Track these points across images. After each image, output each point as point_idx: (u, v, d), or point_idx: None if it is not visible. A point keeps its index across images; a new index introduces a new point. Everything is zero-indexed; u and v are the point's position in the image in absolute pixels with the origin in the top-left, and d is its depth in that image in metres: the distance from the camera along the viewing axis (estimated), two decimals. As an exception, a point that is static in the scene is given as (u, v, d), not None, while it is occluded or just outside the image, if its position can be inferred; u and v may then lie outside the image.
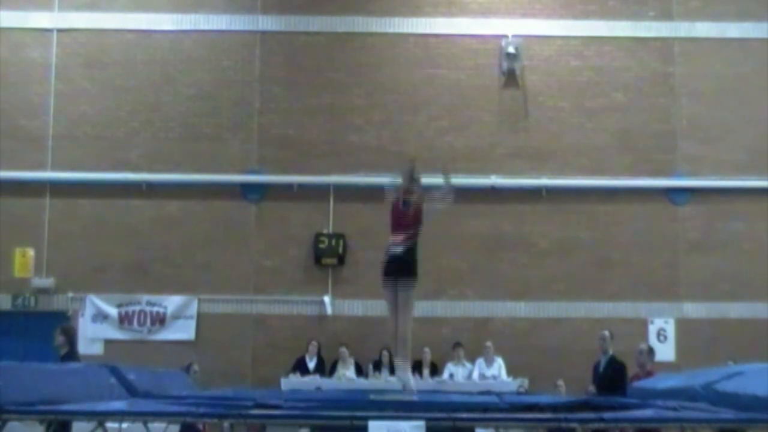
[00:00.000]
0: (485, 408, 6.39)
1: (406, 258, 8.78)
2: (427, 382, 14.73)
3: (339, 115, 16.66)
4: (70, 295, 16.14)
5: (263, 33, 16.86)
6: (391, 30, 16.88)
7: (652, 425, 6.34)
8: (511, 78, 16.63)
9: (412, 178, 9.01)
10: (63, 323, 12.72)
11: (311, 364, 15.51)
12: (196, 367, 13.48)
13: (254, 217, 16.48)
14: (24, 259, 16.01)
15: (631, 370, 11.61)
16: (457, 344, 15.51)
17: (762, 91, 16.27)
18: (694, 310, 16.05)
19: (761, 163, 16.18)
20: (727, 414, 5.76)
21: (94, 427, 6.59)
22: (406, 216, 8.95)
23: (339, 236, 16.28)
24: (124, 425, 6.93)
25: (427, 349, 15.49)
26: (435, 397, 9.80)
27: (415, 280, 8.80)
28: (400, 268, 8.76)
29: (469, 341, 15.65)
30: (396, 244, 8.86)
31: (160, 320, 16.17)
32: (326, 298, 16.14)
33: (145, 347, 15.87)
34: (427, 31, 16.79)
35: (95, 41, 16.82)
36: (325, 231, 16.34)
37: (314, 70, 16.75)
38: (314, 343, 15.58)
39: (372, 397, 8.58)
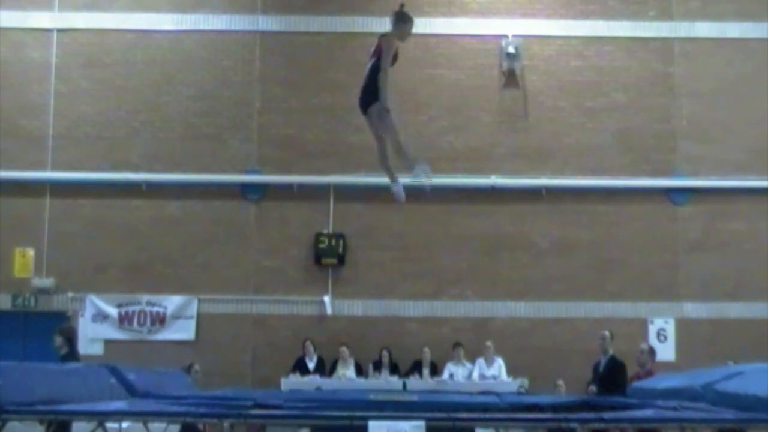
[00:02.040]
0: (485, 408, 6.39)
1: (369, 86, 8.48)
2: (427, 382, 14.75)
3: (339, 115, 16.64)
4: (70, 295, 16.14)
5: (263, 33, 16.86)
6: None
7: (652, 425, 6.34)
8: (511, 78, 16.63)
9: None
10: (62, 324, 12.73)
11: (311, 364, 15.52)
12: (197, 367, 13.45)
13: (254, 217, 16.48)
14: (24, 259, 16.02)
15: (632, 370, 11.61)
16: (457, 344, 15.51)
17: (762, 91, 16.26)
18: (694, 310, 16.05)
19: (761, 163, 16.17)
20: (727, 414, 5.76)
21: (94, 427, 6.59)
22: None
23: (339, 236, 16.28)
24: (124, 425, 6.93)
25: (427, 349, 15.50)
26: (435, 397, 9.80)
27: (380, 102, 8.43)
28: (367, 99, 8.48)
29: (469, 341, 15.66)
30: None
31: (160, 320, 16.17)
32: (326, 298, 16.14)
33: (145, 347, 15.87)
34: (427, 31, 16.77)
35: (95, 41, 16.81)
36: (325, 231, 16.34)
37: (314, 70, 16.75)
38: (308, 342, 15.57)
39: (372, 397, 8.58)
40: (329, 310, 16.12)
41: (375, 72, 8.29)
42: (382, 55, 8.32)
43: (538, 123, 16.60)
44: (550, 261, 16.18)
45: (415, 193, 16.85)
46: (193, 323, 16.15)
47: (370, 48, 8.58)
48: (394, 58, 8.35)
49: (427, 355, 15.47)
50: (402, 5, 8.59)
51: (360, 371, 15.45)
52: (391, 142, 8.50)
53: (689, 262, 16.15)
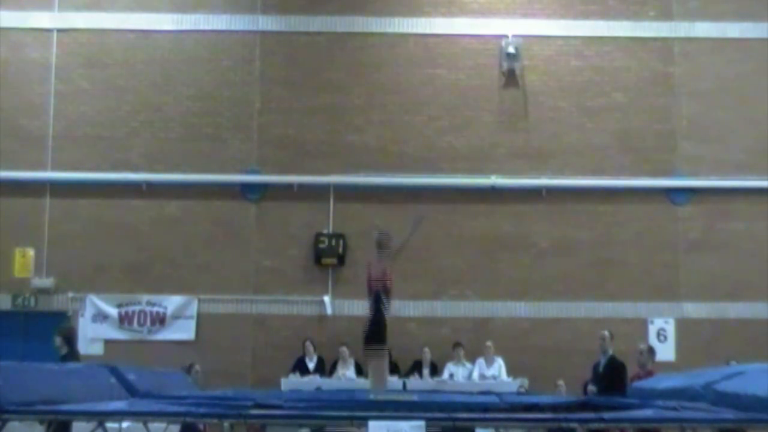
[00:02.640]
0: (485, 408, 6.40)
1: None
2: (427, 382, 14.75)
3: (339, 115, 16.65)
4: (70, 295, 16.14)
5: (263, 33, 16.86)
6: (391, 30, 16.87)
7: (652, 425, 6.34)
8: (511, 78, 16.62)
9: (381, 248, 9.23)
10: (62, 324, 12.73)
11: (311, 364, 15.52)
12: (197, 367, 13.47)
13: (254, 217, 16.48)
14: (24, 259, 16.01)
15: (631, 370, 11.62)
16: (457, 344, 15.51)
17: (762, 91, 16.26)
18: (694, 310, 16.04)
19: (761, 163, 16.17)
20: (727, 414, 5.76)
21: (94, 427, 6.59)
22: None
23: (339, 236, 16.27)
24: (124, 425, 6.93)
25: (427, 349, 15.50)
26: (435, 397, 9.80)
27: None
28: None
29: (469, 341, 15.65)
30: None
31: (160, 320, 16.17)
32: (326, 298, 16.14)
33: (145, 347, 15.87)
34: (427, 31, 16.79)
35: (95, 41, 16.81)
36: (325, 231, 16.33)
37: (314, 70, 16.74)
38: (308, 342, 15.57)
39: (372, 397, 8.59)
40: (329, 310, 16.11)
41: (378, 314, 8.78)
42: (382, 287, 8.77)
43: (538, 123, 16.60)
44: (550, 261, 16.18)
45: (415, 193, 16.97)
46: (193, 323, 16.15)
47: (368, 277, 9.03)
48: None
49: (427, 355, 15.46)
50: (378, 234, 9.11)
51: (360, 371, 15.44)
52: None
53: (689, 262, 16.15)
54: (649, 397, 7.66)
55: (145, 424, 7.44)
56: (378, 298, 8.97)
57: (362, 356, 10.80)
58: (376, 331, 9.01)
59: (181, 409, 6.30)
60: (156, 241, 16.27)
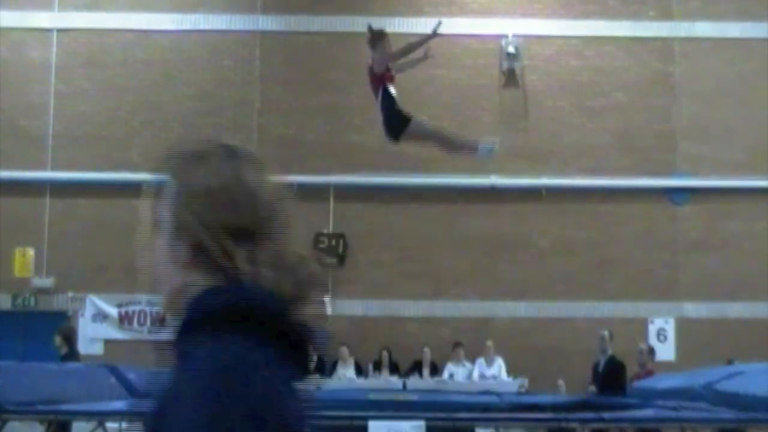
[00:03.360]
0: (485, 408, 6.40)
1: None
2: (427, 382, 14.74)
3: (339, 115, 16.66)
4: (70, 295, 16.14)
5: (263, 33, 16.86)
6: (391, 30, 16.74)
7: (652, 425, 6.34)
8: (511, 78, 16.62)
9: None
10: (61, 324, 12.73)
11: (311, 364, 15.48)
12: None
13: (254, 217, 16.46)
14: (24, 259, 16.01)
15: (631, 370, 11.62)
16: (457, 344, 15.50)
17: (762, 91, 16.26)
18: (694, 310, 16.04)
19: (761, 163, 16.17)
20: (727, 414, 5.76)
21: (94, 427, 6.59)
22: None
23: (339, 236, 16.27)
24: (124, 425, 6.92)
25: (427, 349, 15.49)
26: (435, 397, 9.79)
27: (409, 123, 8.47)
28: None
29: (469, 341, 15.65)
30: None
31: (160, 320, 16.14)
32: (326, 298, 16.12)
33: (145, 347, 15.84)
34: (427, 31, 16.73)
35: (95, 41, 16.82)
36: (325, 231, 16.33)
37: (314, 70, 16.74)
38: None
39: (372, 397, 8.58)
40: (329, 310, 16.11)
41: (388, 100, 8.34)
42: (378, 77, 8.36)
43: (538, 123, 16.60)
44: (550, 261, 16.17)
45: (415, 193, 16.94)
46: (193, 323, 16.12)
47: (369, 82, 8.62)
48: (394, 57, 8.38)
49: (427, 355, 15.46)
50: (369, 27, 8.66)
51: (360, 371, 15.44)
52: (441, 142, 8.58)
53: (689, 262, 16.15)
54: (649, 397, 7.66)
55: (145, 424, 7.42)
56: (386, 92, 8.53)
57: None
58: (394, 116, 8.48)
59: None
60: (156, 241, 16.24)
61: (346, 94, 16.75)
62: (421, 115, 8.80)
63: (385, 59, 8.31)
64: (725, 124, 16.44)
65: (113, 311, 16.13)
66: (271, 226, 1.70)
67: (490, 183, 16.38)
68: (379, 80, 8.28)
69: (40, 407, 5.77)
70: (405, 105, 16.94)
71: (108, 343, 16.07)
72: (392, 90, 8.37)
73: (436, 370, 15.43)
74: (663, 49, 16.74)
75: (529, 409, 6.21)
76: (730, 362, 12.25)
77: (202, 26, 16.84)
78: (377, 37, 8.42)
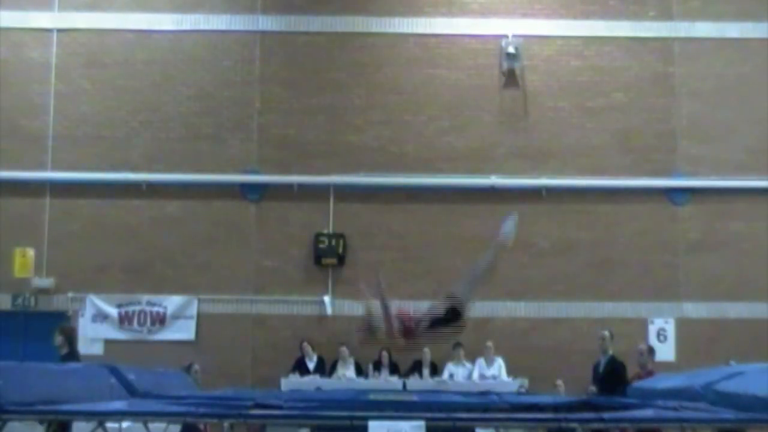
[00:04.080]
0: (485, 408, 6.39)
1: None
2: (427, 382, 14.75)
3: (339, 115, 16.66)
4: (70, 295, 16.14)
5: (263, 33, 16.85)
6: (391, 30, 16.87)
7: (652, 425, 6.34)
8: (511, 78, 16.62)
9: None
10: (62, 323, 12.74)
11: (311, 365, 15.51)
12: (196, 366, 13.47)
13: (254, 217, 16.48)
14: (24, 259, 16.00)
15: (631, 370, 11.61)
16: (457, 344, 15.48)
17: (762, 91, 16.26)
18: (694, 310, 16.04)
19: (761, 163, 16.17)
20: (727, 414, 5.76)
21: (94, 427, 6.59)
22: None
23: (339, 236, 16.27)
24: (124, 425, 6.93)
25: (427, 349, 15.47)
26: (435, 397, 9.80)
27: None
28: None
29: (469, 341, 15.60)
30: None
31: (160, 320, 16.17)
32: (326, 298, 16.14)
33: (145, 347, 15.86)
34: (427, 31, 16.79)
35: (95, 41, 16.81)
36: (325, 231, 16.33)
37: (314, 70, 16.74)
38: (306, 344, 15.56)
39: (372, 397, 8.59)
40: (329, 310, 16.11)
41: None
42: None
43: (538, 123, 16.60)
44: (550, 261, 16.17)
45: (415, 193, 16.97)
46: (193, 323, 16.15)
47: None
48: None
49: (427, 355, 15.45)
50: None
51: (360, 371, 15.45)
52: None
53: (689, 262, 16.15)
54: (649, 397, 7.66)
55: (145, 424, 7.43)
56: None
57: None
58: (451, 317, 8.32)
59: (181, 409, 6.30)
60: (156, 241, 16.26)
61: (346, 94, 16.76)
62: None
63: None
64: (725, 124, 16.44)
65: (113, 311, 16.13)
66: None
67: (490, 183, 16.38)
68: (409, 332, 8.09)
69: (40, 407, 5.77)
70: (406, 103, 17.03)
71: (108, 343, 16.07)
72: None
73: (436, 370, 15.43)
74: (663, 49, 16.74)
75: (529, 409, 6.21)
76: (727, 363, 12.24)
77: (202, 26, 16.84)
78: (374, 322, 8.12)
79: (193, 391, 9.67)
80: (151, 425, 7.44)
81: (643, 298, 16.02)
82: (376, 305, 7.77)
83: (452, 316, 8.08)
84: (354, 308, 16.16)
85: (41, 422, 6.46)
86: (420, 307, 8.04)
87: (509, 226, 8.08)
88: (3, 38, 16.65)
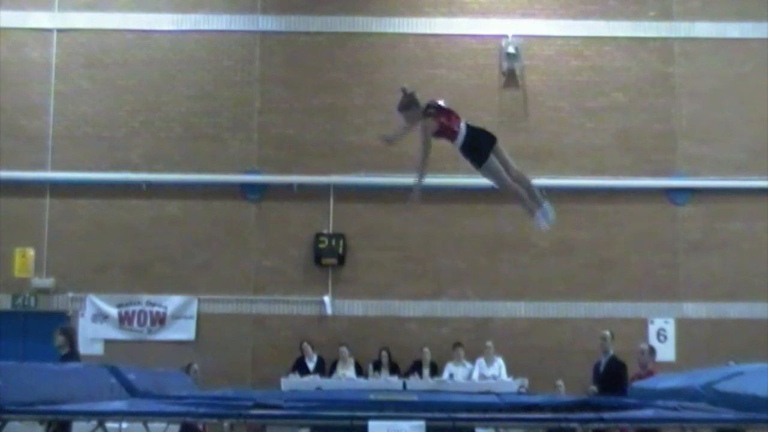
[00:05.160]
0: (485, 408, 6.40)
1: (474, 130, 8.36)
2: (427, 382, 14.75)
3: (339, 115, 16.66)
4: (70, 295, 16.14)
5: (263, 33, 16.86)
6: (391, 30, 16.88)
7: (652, 425, 6.34)
8: (511, 78, 16.62)
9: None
10: (63, 323, 12.74)
11: (311, 365, 15.51)
12: (196, 366, 13.47)
13: (254, 217, 16.48)
14: (24, 259, 16.01)
15: (632, 370, 11.62)
16: (457, 344, 15.51)
17: (762, 91, 16.26)
18: (694, 310, 16.05)
19: (761, 163, 16.18)
20: (727, 414, 5.76)
21: (94, 427, 6.59)
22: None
23: (339, 236, 16.28)
24: (124, 425, 6.92)
25: (427, 349, 15.50)
26: (435, 397, 9.80)
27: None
28: (483, 142, 8.34)
29: (469, 341, 15.65)
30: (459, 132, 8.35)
31: (160, 320, 16.17)
32: (326, 298, 16.14)
33: (145, 347, 15.87)
34: (427, 31, 16.80)
35: (95, 41, 16.82)
36: (325, 231, 16.34)
37: (314, 70, 16.74)
38: (306, 344, 15.56)
39: (372, 397, 8.59)
40: (329, 310, 16.11)
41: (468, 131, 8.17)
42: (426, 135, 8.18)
43: (538, 123, 16.60)
44: (550, 261, 16.18)
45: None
46: (193, 323, 16.15)
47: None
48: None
49: (427, 355, 15.46)
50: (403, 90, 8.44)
51: (360, 371, 15.45)
52: (523, 181, 8.45)
53: (689, 262, 16.15)
54: (649, 397, 7.66)
55: (145, 424, 7.44)
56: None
57: None
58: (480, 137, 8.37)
59: (181, 409, 6.30)
60: (156, 241, 16.27)
61: (346, 94, 16.76)
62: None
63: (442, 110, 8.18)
64: (725, 124, 16.44)
65: (113, 311, 16.13)
66: None
67: (490, 183, 16.34)
68: (445, 128, 8.10)
69: (40, 407, 5.77)
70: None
71: (108, 343, 16.07)
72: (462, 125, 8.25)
73: (436, 370, 15.43)
74: (663, 49, 16.74)
75: (529, 409, 6.21)
76: (726, 364, 12.24)
77: (202, 26, 16.85)
78: (411, 101, 8.25)
79: (193, 391, 9.67)
80: (151, 425, 7.45)
81: (643, 298, 16.03)
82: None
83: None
84: (354, 308, 16.20)
85: (41, 422, 6.47)
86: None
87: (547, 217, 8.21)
88: (3, 38, 16.66)
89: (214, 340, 15.96)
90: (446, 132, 8.06)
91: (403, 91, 8.24)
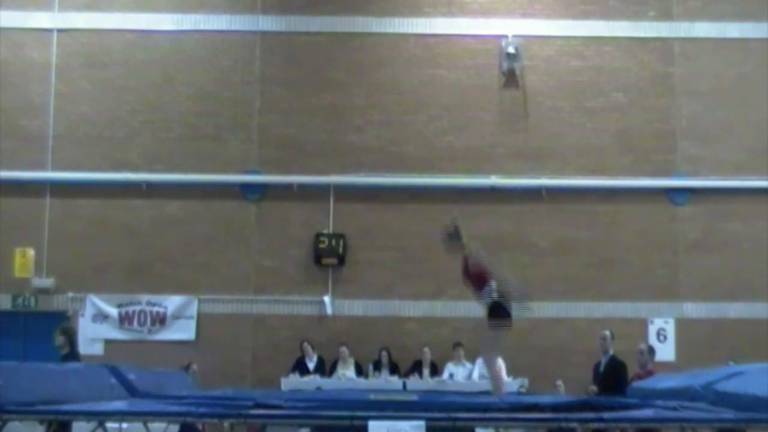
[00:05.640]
0: (485, 408, 6.38)
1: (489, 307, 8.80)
2: (427, 382, 14.75)
3: (339, 115, 16.66)
4: (70, 295, 16.14)
5: (263, 33, 16.86)
6: (391, 30, 16.88)
7: (652, 425, 6.34)
8: (511, 78, 16.62)
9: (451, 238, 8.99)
10: (63, 323, 12.74)
11: (311, 364, 15.52)
12: (195, 366, 13.49)
13: (254, 217, 16.48)
14: (24, 259, 16.01)
15: (632, 369, 11.62)
16: (457, 344, 15.51)
17: (762, 91, 16.26)
18: (694, 310, 16.04)
19: (761, 163, 16.18)
20: (727, 414, 5.75)
21: (94, 427, 6.59)
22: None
23: (339, 236, 16.28)
24: (124, 425, 6.93)
25: (427, 349, 15.50)
26: (435, 397, 9.80)
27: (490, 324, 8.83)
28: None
29: (469, 341, 15.62)
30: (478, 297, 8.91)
31: (160, 320, 16.17)
32: (326, 298, 16.14)
33: (145, 347, 15.87)
34: (427, 31, 16.79)
35: (95, 41, 16.82)
36: (325, 231, 16.34)
37: (314, 70, 16.75)
38: (306, 344, 15.57)
39: (372, 397, 8.59)
40: (329, 310, 16.11)
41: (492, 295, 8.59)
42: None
43: (538, 123, 16.60)
44: (550, 261, 16.17)
45: (415, 193, 16.97)
46: (193, 323, 16.16)
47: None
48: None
49: (427, 355, 15.47)
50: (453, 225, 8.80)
51: (360, 371, 15.45)
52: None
53: (689, 262, 16.15)
54: (648, 397, 7.66)
55: (145, 424, 7.44)
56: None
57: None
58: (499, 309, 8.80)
59: (181, 409, 6.29)
60: (156, 241, 16.27)
61: (346, 94, 16.76)
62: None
63: (479, 261, 8.63)
64: (725, 124, 16.44)
65: (113, 311, 16.14)
66: None
67: (490, 183, 16.38)
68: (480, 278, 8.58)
69: (40, 407, 5.77)
70: (406, 103, 17.01)
71: (108, 343, 16.08)
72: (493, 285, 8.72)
73: (436, 370, 15.43)
74: (663, 49, 16.74)
75: (529, 409, 6.20)
76: (726, 364, 12.24)
77: (202, 26, 16.85)
78: (456, 234, 8.73)
79: (193, 391, 9.67)
80: (151, 425, 7.45)
81: (643, 298, 16.03)
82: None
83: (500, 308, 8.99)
84: (354, 308, 16.20)
85: (41, 422, 6.47)
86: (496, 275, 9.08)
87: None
88: (3, 38, 16.66)
89: (214, 340, 15.96)
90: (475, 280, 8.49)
91: (453, 221, 8.72)
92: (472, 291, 9.01)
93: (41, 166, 16.42)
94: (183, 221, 16.38)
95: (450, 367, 15.42)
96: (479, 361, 15.40)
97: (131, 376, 7.74)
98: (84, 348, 13.36)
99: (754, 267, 15.83)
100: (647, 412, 6.24)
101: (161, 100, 16.70)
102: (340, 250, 16.25)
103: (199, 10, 16.87)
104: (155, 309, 16.19)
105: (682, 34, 16.70)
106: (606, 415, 5.89)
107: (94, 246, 16.20)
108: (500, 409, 6.34)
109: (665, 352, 15.12)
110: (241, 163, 16.55)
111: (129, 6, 16.88)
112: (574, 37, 16.82)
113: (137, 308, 16.19)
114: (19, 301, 16.09)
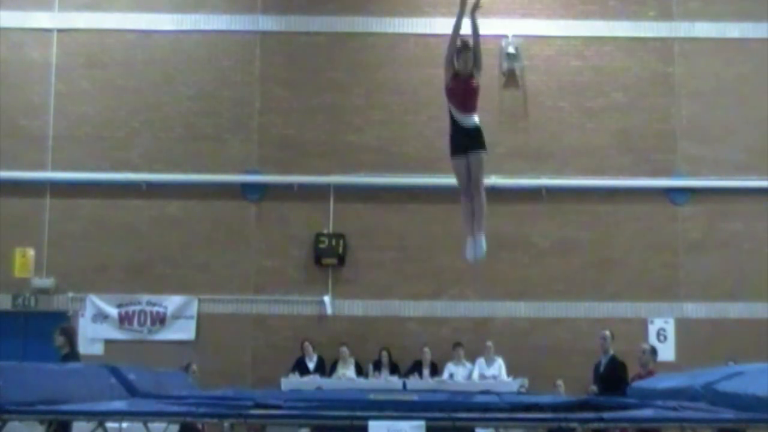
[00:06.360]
0: (485, 408, 6.39)
1: (478, 129, 8.64)
2: (427, 382, 14.75)
3: (339, 115, 16.66)
4: (70, 295, 16.14)
5: (263, 33, 16.86)
6: (391, 30, 16.88)
7: (652, 425, 6.34)
8: (511, 78, 16.62)
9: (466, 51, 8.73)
10: (63, 323, 12.72)
11: (311, 364, 15.52)
12: (194, 366, 13.48)
13: (254, 217, 16.48)
14: (24, 259, 16.01)
15: (632, 369, 11.62)
16: (457, 344, 15.51)
17: (762, 91, 16.26)
18: (694, 310, 16.04)
19: (761, 163, 16.18)
20: (727, 414, 5.75)
21: (94, 427, 6.59)
22: (468, 88, 8.75)
23: (339, 236, 16.28)
24: (124, 425, 6.93)
25: (427, 349, 15.50)
26: (435, 397, 9.80)
27: (486, 152, 8.70)
28: (472, 141, 8.61)
29: (469, 341, 15.66)
30: (465, 116, 8.63)
31: (160, 320, 16.17)
32: (326, 298, 16.14)
33: (145, 347, 15.87)
34: (427, 31, 16.78)
35: (95, 41, 16.82)
36: (325, 231, 16.34)
37: (314, 70, 16.74)
38: (307, 343, 15.57)
39: (372, 397, 8.59)
40: (329, 310, 16.11)
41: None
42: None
43: (538, 123, 16.60)
44: (550, 261, 16.18)
45: (415, 193, 16.96)
46: (193, 323, 16.15)
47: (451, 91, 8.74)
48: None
49: (427, 355, 15.47)
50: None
51: (360, 371, 15.45)
52: (477, 194, 8.82)
53: (689, 262, 16.15)
54: (648, 397, 7.66)
55: (145, 424, 7.43)
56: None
57: None
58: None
59: (181, 409, 6.30)
60: (156, 241, 16.27)
61: (346, 94, 16.76)
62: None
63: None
64: (725, 124, 16.44)
65: (113, 311, 16.13)
66: None
67: (490, 183, 16.31)
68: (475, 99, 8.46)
69: (40, 407, 5.77)
70: (406, 103, 17.00)
71: (108, 343, 16.08)
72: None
73: (436, 370, 15.43)
74: (663, 49, 16.74)
75: (529, 409, 6.21)
76: (726, 364, 12.24)
77: (202, 26, 16.85)
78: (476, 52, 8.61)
79: (193, 391, 9.67)
80: (151, 425, 7.45)
81: (643, 298, 16.03)
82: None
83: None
84: (354, 308, 16.20)
85: (41, 422, 6.46)
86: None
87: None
88: (3, 38, 16.66)
89: (214, 340, 15.96)
90: (457, 92, 8.33)
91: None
92: (456, 104, 8.67)
93: (41, 166, 16.42)
94: (183, 221, 16.38)
95: (450, 367, 15.42)
96: (479, 361, 15.44)
97: (131, 376, 7.74)
98: (84, 348, 13.37)
99: (754, 267, 15.84)
100: (647, 412, 6.24)
101: (161, 100, 16.71)
102: (340, 250, 16.25)
103: (199, 10, 16.87)
104: (155, 309, 16.19)
105: (682, 34, 16.70)
106: (606, 415, 5.90)
107: (94, 246, 16.20)
108: (500, 409, 6.34)
109: (665, 352, 15.12)
110: (241, 163, 16.55)
111: (129, 6, 16.88)
112: (574, 37, 16.82)
113: (137, 308, 16.19)
114: (19, 301, 16.09)
